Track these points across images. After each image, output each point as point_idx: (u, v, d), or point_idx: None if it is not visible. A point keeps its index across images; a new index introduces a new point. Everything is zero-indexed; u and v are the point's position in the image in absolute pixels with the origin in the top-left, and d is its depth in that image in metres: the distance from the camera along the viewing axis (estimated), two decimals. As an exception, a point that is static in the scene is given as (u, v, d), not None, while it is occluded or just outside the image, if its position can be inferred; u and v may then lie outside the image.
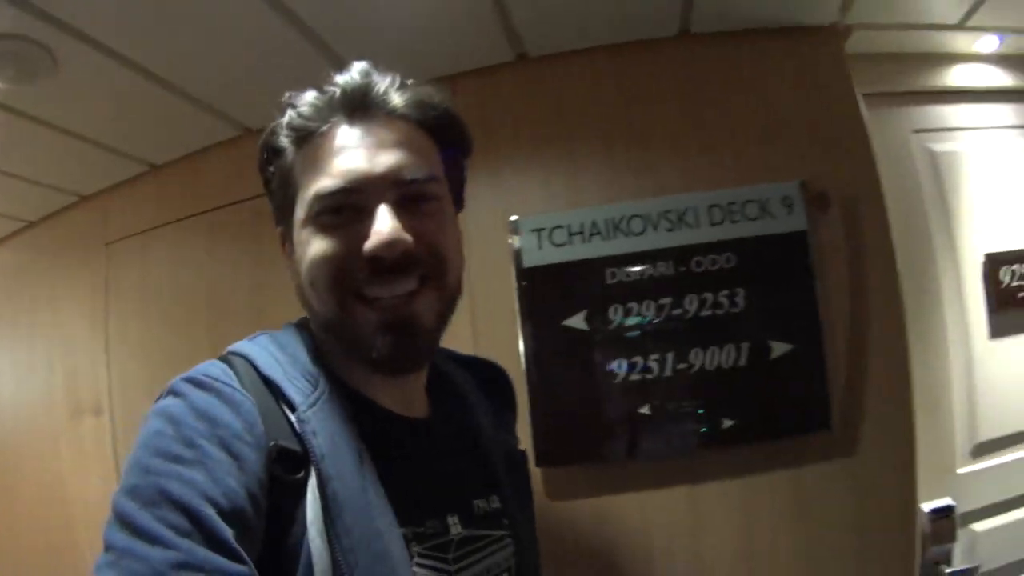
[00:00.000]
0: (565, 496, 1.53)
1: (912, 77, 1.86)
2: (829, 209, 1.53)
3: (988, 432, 1.84)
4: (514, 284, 1.54)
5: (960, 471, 1.80)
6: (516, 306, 1.54)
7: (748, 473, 1.54)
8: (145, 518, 0.51)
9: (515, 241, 1.53)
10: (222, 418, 0.58)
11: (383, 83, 0.69)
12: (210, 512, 0.53)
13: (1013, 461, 1.86)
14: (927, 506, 1.68)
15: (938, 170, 1.83)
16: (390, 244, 0.63)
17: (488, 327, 1.57)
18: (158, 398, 0.62)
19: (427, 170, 0.69)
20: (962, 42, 1.89)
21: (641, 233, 1.48)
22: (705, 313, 1.47)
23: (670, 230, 1.48)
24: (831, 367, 1.51)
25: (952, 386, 1.77)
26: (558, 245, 1.50)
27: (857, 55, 1.74)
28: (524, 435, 1.48)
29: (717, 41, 1.65)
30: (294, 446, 0.60)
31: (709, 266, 1.48)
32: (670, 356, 1.47)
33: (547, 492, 1.51)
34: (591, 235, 1.48)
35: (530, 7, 1.50)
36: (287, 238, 0.73)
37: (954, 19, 1.78)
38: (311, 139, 0.68)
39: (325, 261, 0.65)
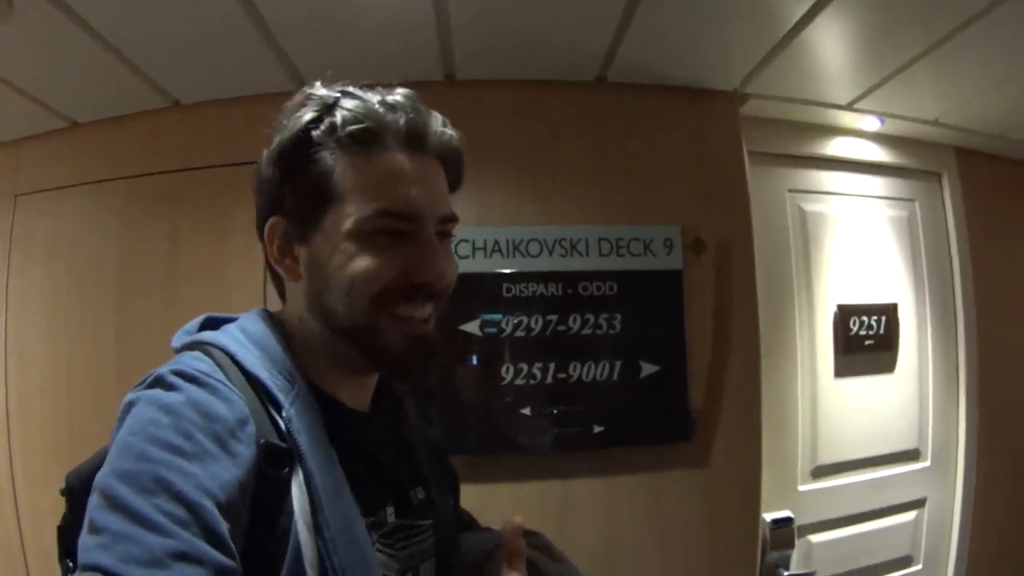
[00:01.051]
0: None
1: (796, 143, 2.17)
2: (704, 253, 1.80)
3: (827, 457, 2.17)
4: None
5: (801, 488, 2.12)
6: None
7: (614, 474, 1.79)
8: (143, 505, 0.52)
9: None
10: (218, 414, 0.60)
11: (436, 122, 0.74)
12: (208, 505, 0.54)
13: (847, 484, 2.20)
14: (769, 516, 1.98)
15: (806, 227, 2.15)
16: (442, 277, 0.71)
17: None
18: (142, 387, 0.64)
19: (453, 210, 0.75)
20: (847, 119, 2.22)
21: (537, 255, 1.71)
22: (586, 332, 1.72)
23: (563, 256, 1.71)
24: (692, 388, 1.78)
25: (799, 415, 2.09)
26: (462, 257, 1.70)
27: (749, 118, 2.03)
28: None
29: (628, 91, 1.89)
30: (280, 443, 0.64)
31: (594, 291, 1.73)
32: (552, 366, 1.70)
33: (431, 479, 1.72)
34: (492, 252, 1.69)
35: (472, 34, 1.66)
36: (298, 237, 0.72)
37: (844, 100, 2.10)
38: (366, 154, 0.69)
39: (375, 276, 0.68)
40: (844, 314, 2.15)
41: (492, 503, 1.75)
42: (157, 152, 1.94)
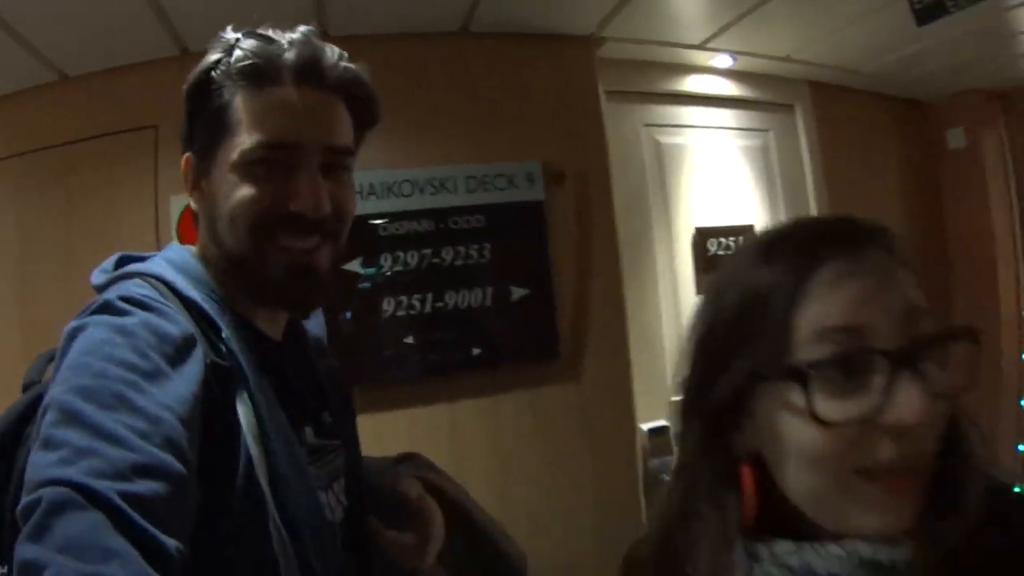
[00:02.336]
0: (343, 410, 1.96)
1: (652, 81, 2.43)
2: (564, 184, 2.06)
3: (695, 368, 2.48)
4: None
5: (674, 399, 2.43)
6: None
7: (495, 393, 2.04)
8: (104, 419, 0.54)
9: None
10: (169, 334, 0.64)
11: (331, 56, 0.77)
12: (168, 417, 0.57)
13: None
14: (645, 426, 2.28)
15: (662, 159, 2.43)
16: (316, 207, 0.73)
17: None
18: (86, 314, 0.66)
19: (349, 143, 0.79)
20: (701, 58, 2.48)
21: (410, 195, 1.92)
22: (459, 263, 1.95)
23: (433, 194, 1.93)
24: (560, 309, 2.05)
25: (663, 331, 2.40)
26: (341, 201, 1.89)
27: (607, 60, 2.26)
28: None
29: (490, 40, 2.09)
30: (224, 363, 0.68)
31: (464, 225, 1.96)
32: (430, 296, 1.93)
33: (327, 408, 1.94)
34: (368, 195, 1.89)
35: None
36: (201, 170, 0.77)
37: (697, 40, 2.36)
38: (256, 89, 0.73)
39: (252, 206, 0.72)
40: (702, 236, 2.46)
41: (387, 431, 1.98)
42: (47, 127, 2.01)
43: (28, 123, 2.05)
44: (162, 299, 0.68)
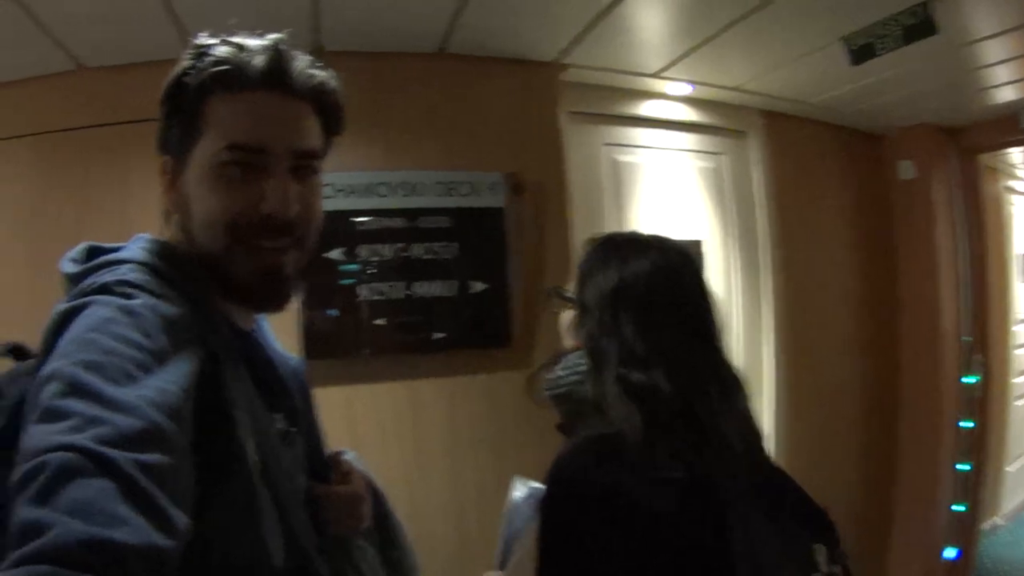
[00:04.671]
0: (325, 383, 2.33)
1: (612, 104, 2.81)
2: (523, 194, 2.45)
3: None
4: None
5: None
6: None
7: (453, 375, 2.41)
8: (114, 391, 0.56)
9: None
10: (169, 315, 0.68)
11: (301, 63, 0.81)
12: (176, 392, 0.61)
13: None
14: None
15: (619, 175, 2.81)
16: (285, 208, 0.79)
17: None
18: (76, 298, 0.69)
19: (316, 147, 0.85)
20: (659, 85, 2.85)
21: (384, 196, 2.30)
22: (428, 257, 2.34)
23: (405, 195, 2.32)
24: (514, 302, 2.43)
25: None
26: (327, 198, 2.26)
27: (571, 83, 2.63)
28: (296, 336, 2.23)
29: (465, 61, 2.47)
30: (214, 347, 0.73)
31: (432, 224, 2.34)
32: (400, 285, 2.31)
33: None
34: (348, 193, 2.27)
35: (338, 15, 2.15)
36: (176, 172, 0.82)
37: (654, 69, 2.72)
38: (227, 93, 0.78)
39: (227, 209, 0.78)
40: (653, 247, 2.84)
41: (356, 403, 2.36)
42: (67, 111, 2.28)
43: (47, 107, 2.29)
44: (156, 284, 0.72)
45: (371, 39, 2.37)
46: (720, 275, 3.05)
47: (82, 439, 0.51)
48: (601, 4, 2.17)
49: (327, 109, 0.86)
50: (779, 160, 3.20)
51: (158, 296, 0.70)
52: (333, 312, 2.31)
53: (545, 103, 2.55)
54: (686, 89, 2.92)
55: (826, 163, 3.44)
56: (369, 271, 2.31)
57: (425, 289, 2.35)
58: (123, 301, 0.67)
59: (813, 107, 3.25)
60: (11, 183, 2.33)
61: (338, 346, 2.31)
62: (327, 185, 2.25)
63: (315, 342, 2.25)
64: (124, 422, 0.54)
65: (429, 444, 2.41)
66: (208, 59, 0.78)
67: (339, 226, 2.28)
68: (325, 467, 0.97)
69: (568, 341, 1.24)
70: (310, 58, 0.84)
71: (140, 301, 0.67)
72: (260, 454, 0.72)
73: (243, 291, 0.82)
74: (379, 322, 2.32)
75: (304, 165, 0.83)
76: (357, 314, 2.31)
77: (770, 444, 2.90)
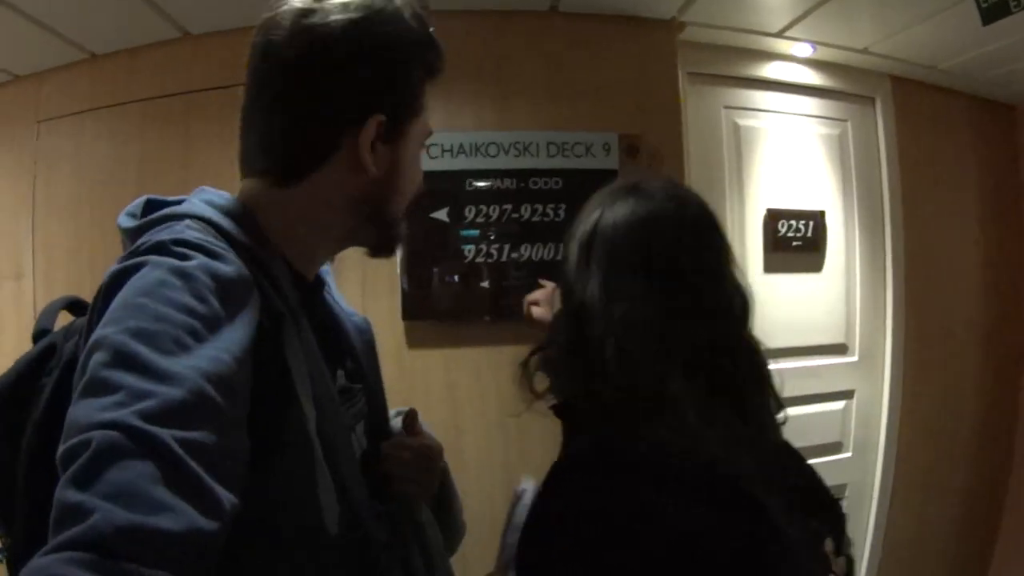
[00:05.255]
0: (421, 346, 2.30)
1: (732, 65, 2.66)
2: (638, 156, 2.34)
3: (757, 343, 2.71)
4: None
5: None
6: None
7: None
8: (163, 362, 0.54)
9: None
10: (228, 277, 0.65)
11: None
12: (228, 361, 0.59)
13: (776, 369, 2.74)
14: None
15: (739, 139, 2.65)
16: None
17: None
18: (134, 257, 0.66)
19: None
20: (780, 45, 2.69)
21: (495, 156, 2.23)
22: (536, 219, 2.25)
23: (517, 156, 2.24)
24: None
25: (729, 306, 2.63)
26: (433, 158, 2.22)
27: (689, 43, 2.51)
28: (396, 297, 2.22)
29: (577, 19, 2.38)
30: (275, 307, 0.71)
31: (542, 186, 2.25)
32: (507, 247, 2.23)
33: (407, 342, 2.28)
34: (458, 153, 2.21)
35: None
36: (389, 134, 0.80)
37: (776, 28, 2.58)
38: (431, 83, 0.86)
39: (419, 183, 0.89)
40: (772, 216, 2.68)
41: (454, 365, 2.31)
42: (168, 77, 2.38)
43: (150, 73, 2.41)
44: (215, 241, 0.70)
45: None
46: (840, 251, 2.85)
47: (127, 416, 0.50)
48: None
49: None
50: (906, 129, 2.97)
51: (216, 255, 0.67)
52: (438, 273, 2.25)
53: (662, 63, 2.42)
54: (808, 50, 2.74)
55: (954, 134, 3.17)
56: (476, 232, 2.25)
57: (532, 252, 2.26)
58: (177, 263, 0.64)
59: (942, 73, 3.00)
60: (117, 145, 2.45)
61: (438, 308, 2.26)
62: (434, 145, 2.19)
63: (415, 303, 2.21)
64: (172, 395, 0.53)
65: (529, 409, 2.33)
66: (436, 48, 0.84)
67: (446, 186, 2.22)
68: (387, 426, 0.96)
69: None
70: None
71: (195, 263, 0.64)
72: (318, 418, 0.72)
73: (394, 246, 0.90)
74: (483, 284, 2.25)
75: None
76: (462, 276, 2.25)
77: (885, 421, 2.85)
